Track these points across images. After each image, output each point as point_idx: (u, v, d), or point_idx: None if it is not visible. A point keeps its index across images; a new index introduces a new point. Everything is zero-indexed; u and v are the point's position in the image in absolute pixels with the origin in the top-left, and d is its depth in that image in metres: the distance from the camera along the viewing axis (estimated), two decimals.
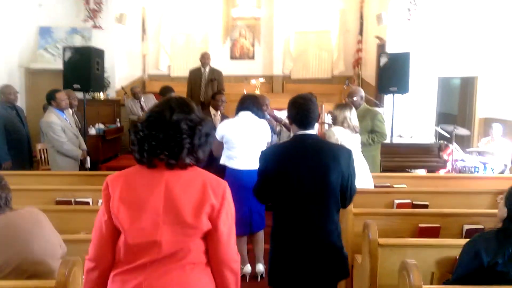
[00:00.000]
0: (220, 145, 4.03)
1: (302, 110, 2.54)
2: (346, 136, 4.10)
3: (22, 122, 5.52)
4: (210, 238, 1.65)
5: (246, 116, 4.07)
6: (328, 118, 5.70)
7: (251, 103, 4.17)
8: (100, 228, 1.67)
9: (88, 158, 5.30)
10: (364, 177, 4.13)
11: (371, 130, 4.84)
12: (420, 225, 3.18)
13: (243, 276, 3.93)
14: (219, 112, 5.29)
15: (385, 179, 4.56)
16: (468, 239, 2.28)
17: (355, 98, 4.90)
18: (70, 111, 5.54)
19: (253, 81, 8.66)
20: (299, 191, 2.41)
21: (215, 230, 1.64)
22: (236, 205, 1.78)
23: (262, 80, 8.82)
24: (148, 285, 1.59)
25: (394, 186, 4.41)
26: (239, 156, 3.96)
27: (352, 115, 4.25)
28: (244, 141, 3.98)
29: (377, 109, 5.32)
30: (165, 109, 1.67)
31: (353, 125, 4.23)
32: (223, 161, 4.05)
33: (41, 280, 2.09)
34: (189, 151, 1.64)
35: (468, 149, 6.76)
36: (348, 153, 2.51)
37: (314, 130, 2.62)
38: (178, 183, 1.63)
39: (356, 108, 4.76)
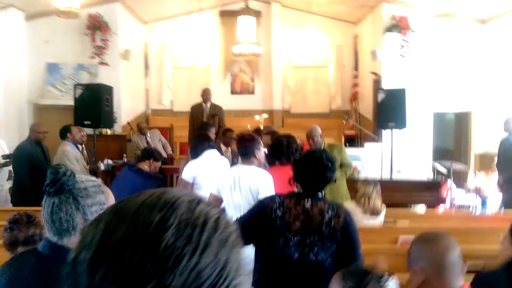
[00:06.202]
0: (187, 187, 3.86)
1: None
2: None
3: (46, 159, 5.70)
4: None
5: (214, 154, 4.09)
6: None
7: (209, 139, 4.23)
8: None
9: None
10: None
11: (340, 164, 4.74)
12: None
13: None
14: (229, 149, 5.50)
15: (388, 215, 4.74)
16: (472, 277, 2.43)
17: (316, 139, 4.79)
18: (80, 147, 5.74)
19: (256, 117, 8.92)
20: None
21: None
22: None
23: (265, 116, 9.09)
24: None
25: (398, 222, 4.59)
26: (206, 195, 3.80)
27: (374, 194, 3.89)
28: (215, 180, 3.79)
29: (339, 143, 5.47)
30: None
31: (374, 205, 3.89)
32: None
33: None
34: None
35: (464, 185, 7.00)
36: None
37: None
38: None
39: (319, 147, 4.70)
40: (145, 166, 4.03)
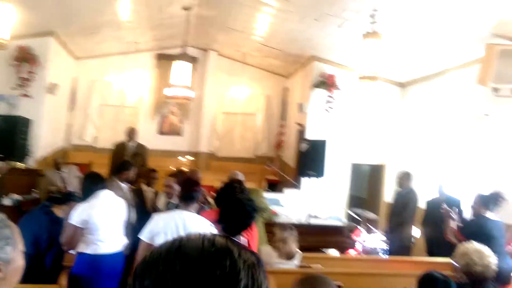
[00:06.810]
0: (77, 232, 3.56)
1: None
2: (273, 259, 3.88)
3: None
4: None
5: (109, 195, 3.87)
6: None
7: (102, 179, 3.92)
8: None
9: None
10: None
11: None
12: None
13: None
14: (151, 189, 5.44)
15: (302, 259, 4.90)
16: None
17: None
18: None
19: (181, 158, 8.93)
20: None
21: None
22: None
23: (190, 157, 9.13)
24: None
25: (312, 266, 4.74)
26: (107, 238, 3.69)
27: (290, 239, 3.99)
28: (111, 222, 3.76)
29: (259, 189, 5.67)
30: None
31: (289, 250, 3.98)
32: (82, 248, 3.62)
33: None
34: None
35: (374, 231, 7.39)
36: None
37: None
38: None
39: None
40: (60, 209, 3.67)
